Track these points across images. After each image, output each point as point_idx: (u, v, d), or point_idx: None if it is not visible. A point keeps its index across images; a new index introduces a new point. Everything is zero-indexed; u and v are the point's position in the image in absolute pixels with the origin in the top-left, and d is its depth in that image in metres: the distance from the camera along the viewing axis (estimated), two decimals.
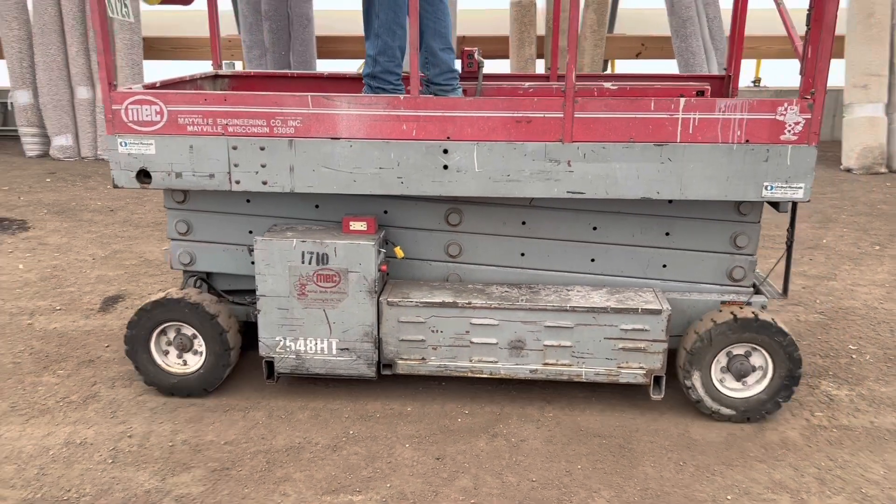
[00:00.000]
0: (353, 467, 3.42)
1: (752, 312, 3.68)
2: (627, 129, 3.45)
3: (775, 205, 3.75)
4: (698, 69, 9.73)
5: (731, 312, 3.69)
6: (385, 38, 3.88)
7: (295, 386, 4.07)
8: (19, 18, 9.47)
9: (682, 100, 3.41)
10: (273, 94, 3.55)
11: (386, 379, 4.07)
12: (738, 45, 4.31)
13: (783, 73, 10.36)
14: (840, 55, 9.64)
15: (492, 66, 10.96)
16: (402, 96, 3.54)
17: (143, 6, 9.43)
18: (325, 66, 10.63)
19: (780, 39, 10.30)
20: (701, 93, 4.31)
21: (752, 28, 9.84)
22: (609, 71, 10.92)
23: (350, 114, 3.53)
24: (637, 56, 10.68)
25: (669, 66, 10.32)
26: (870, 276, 5.86)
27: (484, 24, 10.74)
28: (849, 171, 9.36)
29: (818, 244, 6.63)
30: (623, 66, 10.97)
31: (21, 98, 9.67)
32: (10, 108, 10.02)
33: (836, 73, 9.87)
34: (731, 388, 3.76)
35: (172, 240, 4.03)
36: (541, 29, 10.34)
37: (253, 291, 4.04)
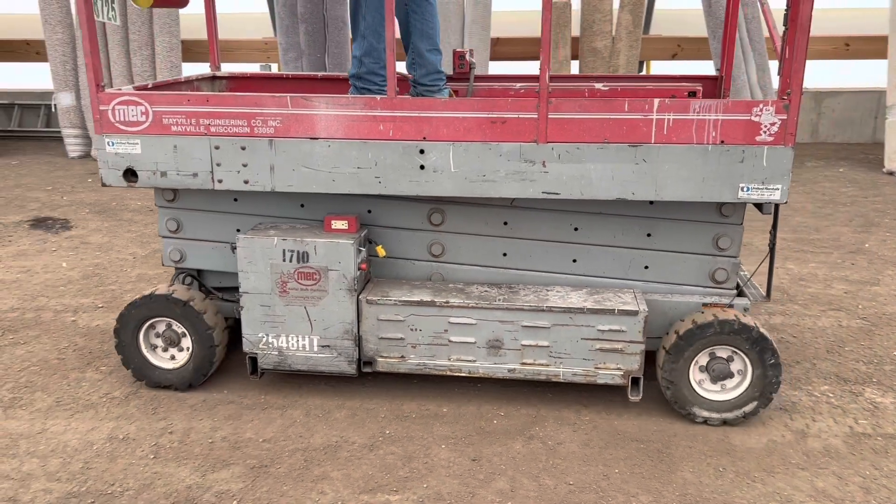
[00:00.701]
0: (390, 467, 3.47)
1: (675, 332, 3.68)
2: (602, 130, 3.44)
3: (759, 207, 3.70)
4: (735, 70, 9.57)
5: (663, 347, 3.73)
6: (371, 39, 3.93)
7: (331, 385, 4.14)
8: (63, 22, 9.78)
9: (656, 101, 3.38)
10: (253, 95, 3.63)
11: (421, 380, 4.15)
12: (729, 46, 4.24)
13: (821, 75, 10.14)
14: (883, 56, 9.39)
15: (528, 68, 10.96)
16: (378, 97, 3.58)
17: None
18: None
19: (820, 40, 10.07)
20: (693, 93, 4.26)
21: None
22: (644, 72, 10.81)
23: (328, 114, 3.58)
24: (673, 57, 10.54)
25: (706, 68, 10.18)
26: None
27: (519, 26, 10.73)
28: (891, 174, 9.11)
29: (860, 248, 6.47)
30: (659, 68, 10.85)
31: (64, 100, 9.98)
32: (53, 110, 10.35)
33: (879, 74, 9.64)
34: (733, 387, 3.73)
35: (163, 237, 4.14)
36: (576, 30, 10.28)
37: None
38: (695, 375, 3.71)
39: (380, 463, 3.49)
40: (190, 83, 4.51)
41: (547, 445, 3.61)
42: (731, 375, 3.69)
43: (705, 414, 3.73)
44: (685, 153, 3.42)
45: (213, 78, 4.80)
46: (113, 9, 3.79)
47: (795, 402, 3.96)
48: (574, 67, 10.36)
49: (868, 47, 9.98)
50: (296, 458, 3.52)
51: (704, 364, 3.70)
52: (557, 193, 3.54)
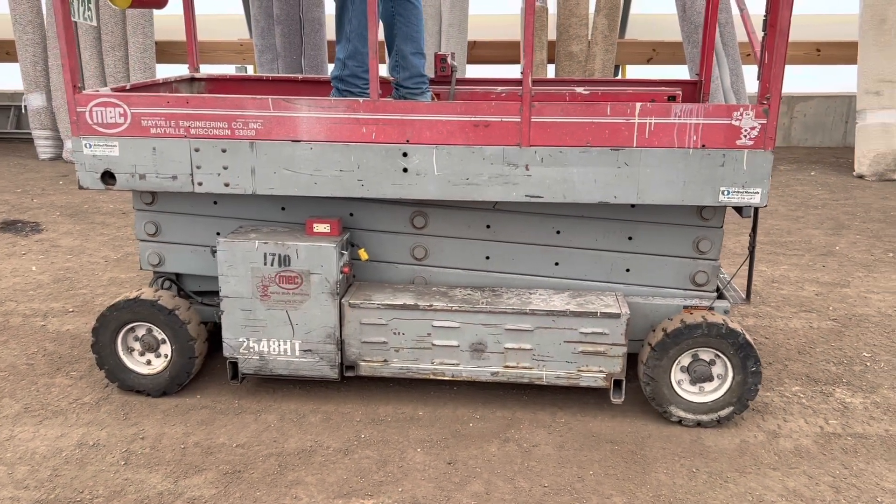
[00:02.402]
0: (365, 471, 3.45)
1: (663, 330, 3.70)
2: (584, 134, 3.45)
3: (739, 210, 3.72)
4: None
5: (648, 343, 3.74)
6: (356, 42, 3.91)
7: (306, 389, 4.11)
8: (34, 22, 9.65)
9: (638, 105, 3.40)
10: (234, 97, 3.60)
11: (397, 383, 4.13)
12: (709, 50, 4.28)
13: (793, 79, 10.25)
14: (853, 61, 9.53)
15: (504, 71, 10.99)
16: (361, 99, 3.57)
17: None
18: None
19: (792, 45, 10.18)
20: (672, 98, 4.29)
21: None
22: (620, 76, 10.87)
23: (310, 116, 3.56)
24: (648, 62, 10.62)
25: (681, 72, 10.25)
26: (883, 283, 5.80)
27: (495, 30, 10.76)
28: (861, 177, 9.24)
29: (831, 251, 6.55)
30: (634, 72, 10.92)
31: (34, 101, 9.84)
32: (23, 111, 10.20)
33: (849, 79, 9.78)
34: (712, 390, 3.76)
35: (141, 241, 4.09)
36: (552, 34, 10.32)
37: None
38: (676, 375, 3.73)
39: (354, 467, 3.47)
40: (168, 84, 4.47)
41: (522, 448, 3.62)
42: (710, 378, 3.72)
43: (681, 414, 3.75)
44: (666, 157, 3.44)
45: (192, 79, 4.76)
46: (90, 9, 3.74)
47: (767, 403, 4.00)
48: (550, 71, 10.39)
49: (839, 53, 10.13)
50: (269, 464, 3.49)
51: (686, 365, 3.72)
52: (540, 197, 3.55)
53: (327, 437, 3.69)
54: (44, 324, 4.98)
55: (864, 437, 3.71)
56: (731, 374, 3.69)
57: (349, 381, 4.12)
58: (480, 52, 10.54)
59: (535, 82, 4.60)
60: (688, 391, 3.75)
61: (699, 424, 3.75)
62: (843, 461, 3.52)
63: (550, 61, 10.35)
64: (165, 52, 10.52)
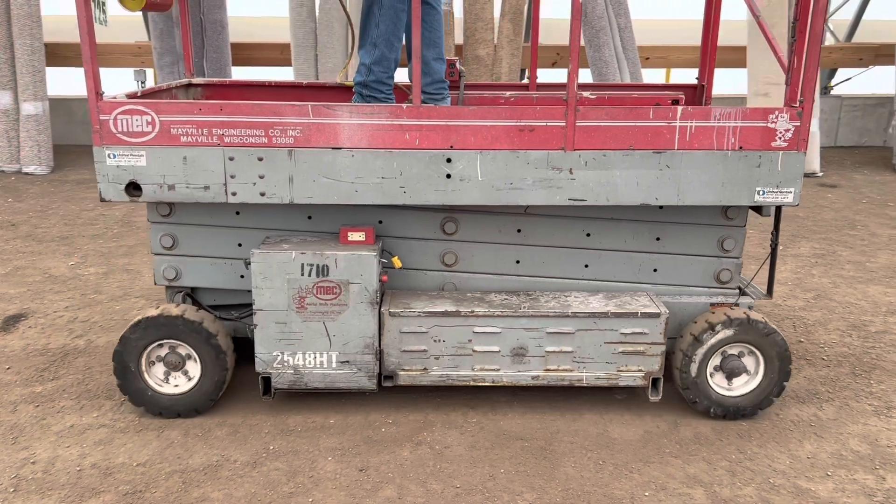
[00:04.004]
0: (274, 483, 3.35)
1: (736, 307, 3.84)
2: (627, 137, 3.53)
3: (758, 210, 3.90)
4: (611, 78, 10.02)
5: (680, 348, 3.85)
6: (383, 48, 3.84)
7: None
8: None
9: (680, 108, 3.51)
10: (272, 104, 3.45)
11: (308, 392, 4.00)
12: (711, 54, 4.47)
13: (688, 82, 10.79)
14: (743, 65, 10.13)
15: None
16: (404, 105, 3.50)
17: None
18: (240, 73, 10.39)
19: (686, 49, 10.75)
20: (676, 101, 4.45)
21: (663, 38, 10.16)
22: (527, 80, 11.08)
23: (352, 123, 3.46)
24: (553, 65, 10.89)
25: (583, 76, 10.56)
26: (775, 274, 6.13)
27: None
28: None
29: None
30: (540, 76, 11.14)
31: None
32: None
33: (740, 82, 10.39)
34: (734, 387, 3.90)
35: (156, 254, 3.84)
36: (458, 38, 10.41)
37: (239, 306, 3.92)
38: (714, 379, 3.88)
39: (263, 480, 3.39)
40: (169, 91, 4.22)
41: (434, 450, 3.64)
42: (736, 376, 3.87)
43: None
44: (706, 159, 3.56)
45: (189, 85, 4.51)
46: (104, 11, 3.49)
47: (667, 394, 4.06)
48: None
49: (729, 57, 10.72)
50: (173, 481, 3.36)
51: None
52: (584, 200, 3.59)
53: (234, 451, 3.58)
54: None
55: (756, 422, 3.91)
56: (763, 368, 3.86)
57: (257, 393, 3.94)
58: None
59: (539, 87, 4.66)
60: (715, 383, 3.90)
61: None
62: (738, 446, 3.72)
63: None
64: (56, 54, 9.88)
